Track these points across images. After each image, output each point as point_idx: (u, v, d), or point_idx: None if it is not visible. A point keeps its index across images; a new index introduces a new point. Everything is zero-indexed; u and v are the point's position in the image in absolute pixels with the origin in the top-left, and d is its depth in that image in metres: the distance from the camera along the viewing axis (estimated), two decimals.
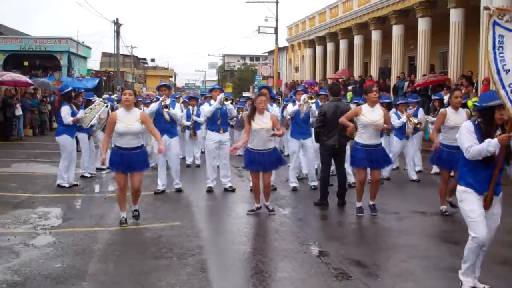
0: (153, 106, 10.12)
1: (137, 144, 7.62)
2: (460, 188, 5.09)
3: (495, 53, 4.71)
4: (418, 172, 12.37)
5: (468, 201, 4.98)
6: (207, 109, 10.59)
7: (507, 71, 4.66)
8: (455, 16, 20.28)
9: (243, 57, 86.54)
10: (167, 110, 10.04)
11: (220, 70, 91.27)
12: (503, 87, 4.69)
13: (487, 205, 4.94)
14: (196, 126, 13.99)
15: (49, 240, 6.97)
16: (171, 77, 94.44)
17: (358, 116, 8.26)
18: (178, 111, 10.50)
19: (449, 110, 8.39)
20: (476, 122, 5.01)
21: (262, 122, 8.22)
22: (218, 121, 10.38)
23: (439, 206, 8.57)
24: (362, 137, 8.30)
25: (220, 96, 10.26)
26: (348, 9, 31.04)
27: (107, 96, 19.23)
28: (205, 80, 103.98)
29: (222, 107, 10.24)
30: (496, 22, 4.69)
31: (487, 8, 4.83)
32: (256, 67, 57.77)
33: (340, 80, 29.82)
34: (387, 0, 25.41)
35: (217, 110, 10.26)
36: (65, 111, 10.66)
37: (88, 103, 12.04)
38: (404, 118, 11.59)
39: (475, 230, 4.87)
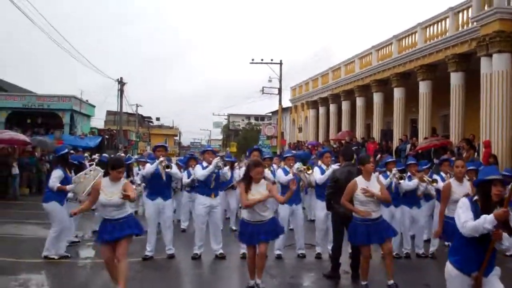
0: (151, 168, 9.95)
1: (120, 215, 7.09)
2: (448, 266, 4.84)
3: None
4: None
5: (452, 285, 4.82)
6: (200, 172, 10.06)
7: None
8: (456, 79, 20.29)
9: (248, 116, 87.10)
10: (168, 170, 9.85)
11: (224, 129, 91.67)
12: None
13: (477, 287, 4.63)
14: None
15: None
16: (176, 135, 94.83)
17: (354, 192, 7.70)
18: (177, 170, 10.35)
19: (452, 181, 8.10)
20: (474, 199, 4.74)
21: (257, 192, 7.50)
22: (211, 185, 10.03)
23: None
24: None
25: (216, 161, 9.94)
26: (350, 71, 31.27)
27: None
28: (210, 139, 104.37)
29: (218, 171, 9.98)
30: None
31: None
32: (260, 127, 57.95)
33: (342, 141, 29.74)
34: (388, 63, 25.57)
35: (211, 174, 9.95)
36: (55, 175, 9.67)
37: (78, 167, 10.93)
38: (415, 181, 10.27)
39: None
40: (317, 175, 10.21)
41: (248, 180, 7.61)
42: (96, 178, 9.82)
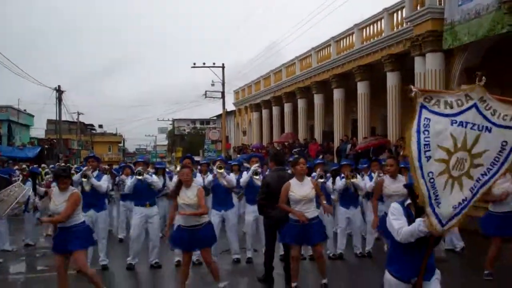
0: (76, 177, 9.67)
1: (74, 222, 7.10)
2: (386, 275, 4.67)
3: (418, 137, 4.34)
4: None
5: None
6: (128, 182, 10.07)
7: (428, 158, 4.22)
8: (392, 79, 20.57)
9: (193, 121, 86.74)
10: (85, 180, 9.51)
11: (170, 134, 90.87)
12: (422, 176, 4.27)
13: None
14: None
15: None
16: (120, 142, 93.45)
17: (288, 192, 7.65)
18: (103, 183, 9.92)
19: (386, 178, 8.21)
20: (406, 204, 4.66)
21: (187, 197, 7.49)
22: (141, 195, 9.80)
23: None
24: None
25: (138, 169, 9.84)
26: (291, 73, 31.42)
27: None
28: (155, 144, 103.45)
29: (145, 180, 9.76)
30: (423, 105, 4.38)
31: (409, 89, 4.52)
32: (206, 131, 57.79)
33: (285, 143, 29.83)
34: (327, 65, 25.79)
35: (139, 183, 9.75)
36: None
37: (8, 181, 10.07)
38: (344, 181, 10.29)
39: None
40: (242, 178, 10.21)
41: (179, 185, 7.67)
42: (18, 197, 9.25)
